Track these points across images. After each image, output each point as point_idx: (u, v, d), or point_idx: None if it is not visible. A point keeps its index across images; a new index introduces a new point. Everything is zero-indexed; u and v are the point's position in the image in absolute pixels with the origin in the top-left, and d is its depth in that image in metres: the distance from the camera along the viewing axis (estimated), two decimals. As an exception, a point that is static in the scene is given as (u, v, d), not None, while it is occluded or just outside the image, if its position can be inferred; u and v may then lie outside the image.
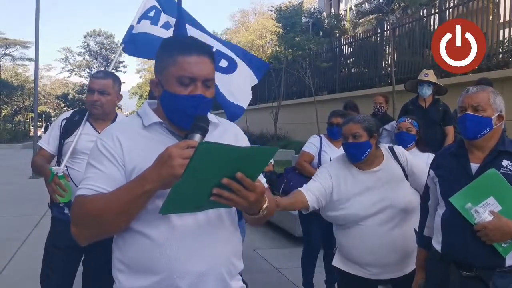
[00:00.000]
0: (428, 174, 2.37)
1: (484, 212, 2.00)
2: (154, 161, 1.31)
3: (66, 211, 2.73)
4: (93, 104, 2.80)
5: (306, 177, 4.00)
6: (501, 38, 9.05)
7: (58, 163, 2.84)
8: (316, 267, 4.20)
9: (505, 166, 2.06)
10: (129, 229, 1.41)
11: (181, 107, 1.41)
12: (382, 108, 5.96)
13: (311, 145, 4.09)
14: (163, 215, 1.37)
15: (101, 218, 1.34)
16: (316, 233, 4.07)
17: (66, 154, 2.76)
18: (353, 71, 14.32)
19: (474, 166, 2.12)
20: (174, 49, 1.44)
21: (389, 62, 10.81)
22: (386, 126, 5.92)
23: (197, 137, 1.35)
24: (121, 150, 1.41)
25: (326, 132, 4.15)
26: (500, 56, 8.84)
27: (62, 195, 2.56)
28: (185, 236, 1.41)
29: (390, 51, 11.20)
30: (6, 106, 38.23)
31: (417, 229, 2.51)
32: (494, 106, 2.12)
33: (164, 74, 1.44)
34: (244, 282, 5.11)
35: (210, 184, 1.27)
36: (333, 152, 4.04)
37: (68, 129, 2.86)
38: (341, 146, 4.08)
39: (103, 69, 44.23)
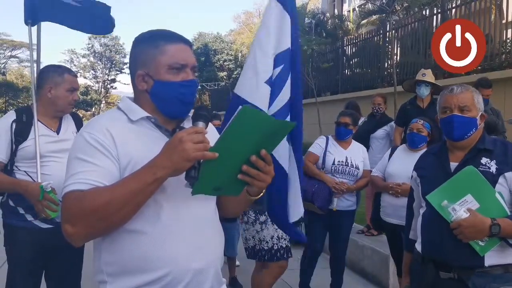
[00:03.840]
0: (412, 176, 2.34)
1: (461, 209, 1.96)
2: (162, 148, 1.29)
3: (30, 217, 2.53)
4: (73, 104, 2.66)
5: (309, 177, 4.00)
6: (504, 39, 8.97)
7: (10, 171, 2.54)
8: (322, 270, 4.15)
9: (483, 163, 2.05)
10: (121, 229, 1.36)
11: (176, 94, 1.42)
12: (381, 108, 5.94)
13: (317, 146, 4.13)
14: (155, 211, 1.37)
15: (106, 211, 1.27)
16: (319, 235, 4.06)
17: (22, 161, 2.51)
18: (355, 71, 14.26)
19: (454, 165, 2.11)
20: (159, 39, 1.44)
21: (391, 62, 10.75)
22: (385, 127, 5.88)
23: (201, 124, 1.35)
24: (114, 144, 1.36)
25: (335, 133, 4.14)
26: (503, 56, 8.76)
27: (55, 210, 2.41)
28: (183, 232, 1.39)
29: (392, 52, 11.13)
30: (11, 107, 38.44)
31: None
32: (478, 106, 2.11)
33: (150, 65, 1.43)
34: (240, 283, 5.08)
35: (235, 161, 1.30)
36: (339, 153, 4.04)
37: (21, 133, 2.53)
38: (348, 147, 4.10)
39: (107, 71, 44.51)
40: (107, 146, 1.36)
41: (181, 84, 1.42)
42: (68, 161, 1.39)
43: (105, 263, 1.41)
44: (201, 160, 1.28)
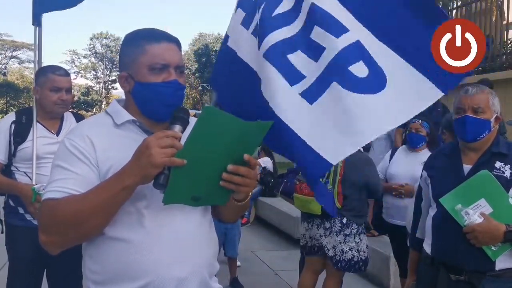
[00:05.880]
0: (421, 175, 2.33)
1: (474, 214, 1.95)
2: (133, 155, 1.25)
3: (29, 217, 2.53)
4: (61, 104, 2.58)
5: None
6: (505, 40, 8.97)
7: (10, 171, 2.57)
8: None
9: (498, 167, 2.03)
10: (104, 236, 1.34)
11: (156, 95, 1.36)
12: (382, 109, 5.93)
13: None
14: (137, 219, 1.33)
15: (76, 220, 1.25)
16: None
17: (22, 162, 2.53)
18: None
19: (467, 167, 2.09)
20: (141, 39, 1.40)
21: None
22: (386, 127, 5.87)
23: (177, 128, 1.29)
24: (94, 150, 1.33)
25: None
26: (504, 57, 8.75)
27: None
28: (166, 240, 1.35)
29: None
30: (12, 108, 38.49)
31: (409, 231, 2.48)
32: (492, 108, 2.09)
33: (133, 66, 1.39)
34: (241, 284, 5.09)
35: (210, 167, 1.24)
36: None
37: (20, 134, 2.54)
38: None
39: (108, 72, 44.52)
40: (86, 152, 1.33)
41: (160, 84, 1.36)
42: (51, 168, 1.37)
43: (89, 270, 1.39)
44: (172, 167, 1.21)
